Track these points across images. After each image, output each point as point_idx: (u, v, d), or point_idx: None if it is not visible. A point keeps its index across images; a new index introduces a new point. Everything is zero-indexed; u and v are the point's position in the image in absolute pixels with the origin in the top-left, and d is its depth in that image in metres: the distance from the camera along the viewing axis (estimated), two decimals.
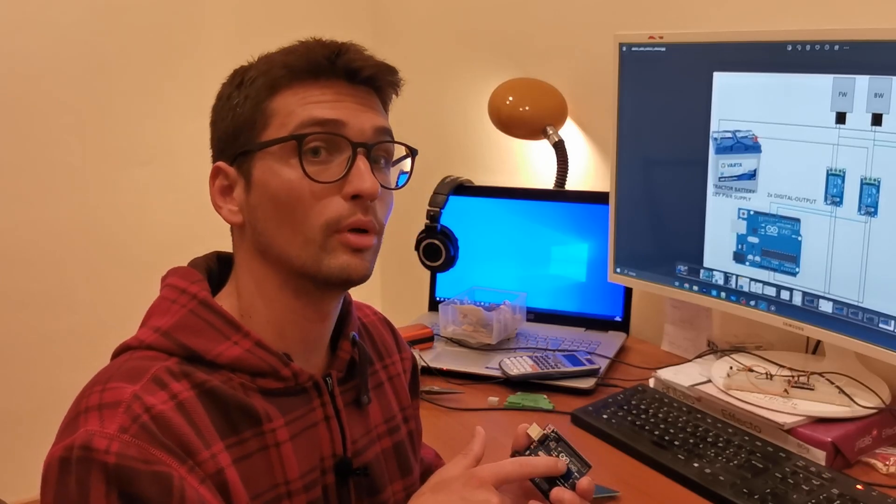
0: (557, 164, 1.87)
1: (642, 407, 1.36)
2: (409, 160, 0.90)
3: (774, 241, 1.35)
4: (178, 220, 2.31)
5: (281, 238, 0.81)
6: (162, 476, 0.71)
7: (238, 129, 0.82)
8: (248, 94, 0.82)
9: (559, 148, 1.86)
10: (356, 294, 0.94)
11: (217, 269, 0.90)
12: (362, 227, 0.81)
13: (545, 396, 1.45)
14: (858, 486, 1.11)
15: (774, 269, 1.36)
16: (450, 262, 1.79)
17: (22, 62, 2.07)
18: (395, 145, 0.86)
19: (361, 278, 0.83)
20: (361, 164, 0.81)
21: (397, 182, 0.88)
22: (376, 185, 0.81)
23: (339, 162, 0.81)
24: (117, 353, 0.82)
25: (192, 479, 0.72)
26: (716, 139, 1.40)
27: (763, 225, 1.36)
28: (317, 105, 0.81)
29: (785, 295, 1.35)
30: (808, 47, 1.24)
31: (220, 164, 0.84)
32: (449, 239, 1.79)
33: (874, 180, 1.19)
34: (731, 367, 1.38)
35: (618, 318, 1.75)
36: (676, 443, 1.24)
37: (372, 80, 0.84)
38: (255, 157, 0.82)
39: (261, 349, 0.81)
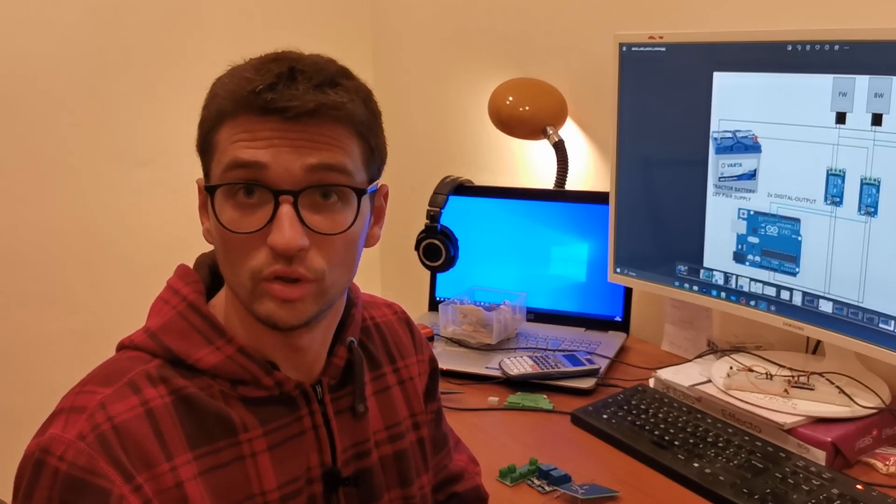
0: (557, 164, 1.87)
1: (642, 407, 1.36)
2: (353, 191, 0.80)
3: (774, 241, 1.35)
4: (178, 221, 2.31)
5: (225, 273, 0.81)
6: (102, 492, 0.70)
7: (200, 153, 0.81)
8: (205, 117, 0.79)
9: (559, 148, 1.86)
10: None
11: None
12: (286, 276, 0.76)
13: (545, 396, 1.45)
14: (858, 486, 1.11)
15: (774, 269, 1.36)
16: (450, 262, 1.79)
17: (22, 62, 2.07)
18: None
19: (291, 327, 0.78)
20: (284, 213, 0.74)
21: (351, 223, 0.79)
22: (294, 241, 0.74)
23: (266, 209, 0.75)
24: (116, 351, 0.82)
25: (133, 499, 0.71)
26: (716, 139, 1.40)
27: (763, 225, 1.36)
28: (243, 144, 0.75)
29: (785, 295, 1.35)
30: (808, 47, 1.24)
31: (199, 180, 0.82)
32: (449, 239, 1.79)
33: (874, 180, 1.19)
34: (731, 367, 1.37)
35: (618, 318, 1.75)
36: (676, 443, 1.24)
37: (312, 115, 0.75)
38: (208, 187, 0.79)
39: (242, 356, 0.80)
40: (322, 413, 0.85)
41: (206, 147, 0.79)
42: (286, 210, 0.75)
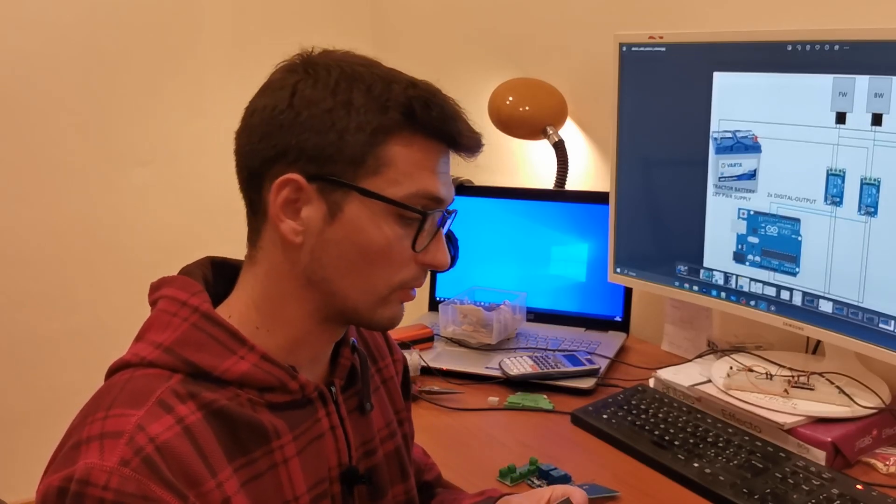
0: (557, 164, 1.87)
1: (642, 407, 1.36)
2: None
3: (774, 241, 1.35)
4: (179, 221, 2.31)
5: (346, 280, 0.81)
6: None
7: (338, 156, 0.78)
8: (359, 125, 0.78)
9: (559, 148, 1.86)
10: None
11: (213, 276, 0.87)
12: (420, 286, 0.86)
13: (545, 396, 1.45)
14: (858, 486, 1.11)
15: (774, 269, 1.36)
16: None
17: (22, 62, 2.07)
18: None
19: (397, 325, 0.88)
20: (442, 236, 0.85)
21: None
22: (448, 260, 0.86)
23: (422, 230, 0.83)
24: (113, 371, 0.78)
25: None
26: (716, 139, 1.40)
27: (763, 225, 1.36)
28: (433, 176, 0.82)
29: (785, 295, 1.35)
30: (808, 47, 1.24)
31: (297, 177, 0.78)
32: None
33: (874, 180, 1.19)
34: (731, 367, 1.37)
35: (618, 318, 1.75)
36: (676, 443, 1.24)
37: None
38: (353, 194, 0.79)
39: (267, 363, 0.79)
40: (337, 413, 0.87)
41: (363, 157, 0.78)
42: (442, 233, 0.86)
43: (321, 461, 0.84)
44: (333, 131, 0.78)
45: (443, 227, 0.86)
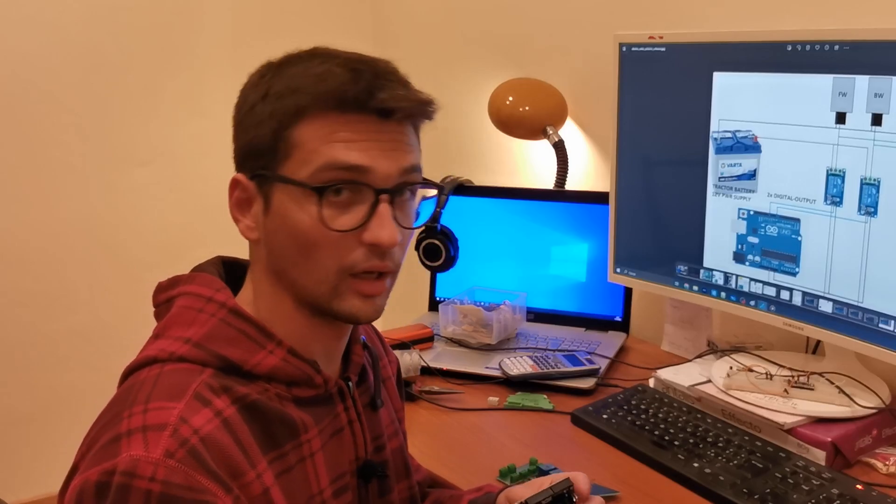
0: (557, 164, 1.87)
1: (642, 407, 1.36)
2: (433, 189, 0.88)
3: (774, 241, 1.35)
4: (179, 221, 2.31)
5: (295, 269, 0.80)
6: None
7: (259, 149, 0.79)
8: (272, 113, 0.78)
9: (559, 148, 1.86)
10: None
11: (224, 275, 0.87)
12: (378, 271, 0.80)
13: (545, 396, 1.45)
14: (858, 486, 1.11)
15: (774, 269, 1.36)
16: (450, 262, 1.79)
17: (22, 62, 2.07)
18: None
19: (370, 321, 0.83)
20: (383, 211, 0.78)
21: (416, 218, 0.85)
22: (395, 236, 0.78)
23: (360, 207, 0.78)
24: (135, 368, 0.78)
25: None
26: (716, 139, 1.40)
27: (763, 225, 1.36)
28: (342, 145, 0.76)
29: (785, 295, 1.35)
30: (808, 47, 1.24)
31: (239, 177, 0.81)
32: (449, 239, 1.79)
33: (874, 180, 1.19)
34: (731, 367, 1.37)
35: (618, 318, 1.75)
36: (676, 443, 1.24)
37: (406, 116, 0.80)
38: (276, 184, 0.79)
39: (294, 357, 0.80)
40: (354, 409, 0.88)
41: (275, 144, 0.78)
42: (386, 208, 0.78)
43: (342, 455, 0.85)
44: (253, 126, 0.79)
45: (390, 200, 0.79)
